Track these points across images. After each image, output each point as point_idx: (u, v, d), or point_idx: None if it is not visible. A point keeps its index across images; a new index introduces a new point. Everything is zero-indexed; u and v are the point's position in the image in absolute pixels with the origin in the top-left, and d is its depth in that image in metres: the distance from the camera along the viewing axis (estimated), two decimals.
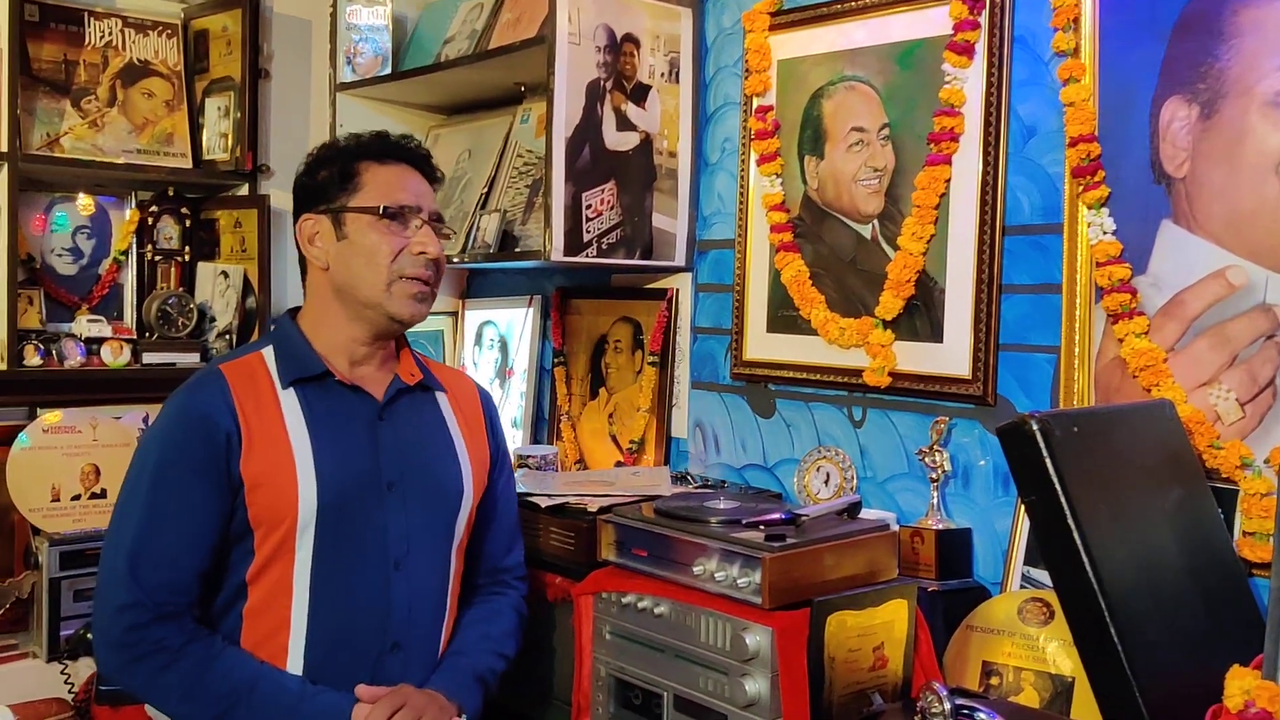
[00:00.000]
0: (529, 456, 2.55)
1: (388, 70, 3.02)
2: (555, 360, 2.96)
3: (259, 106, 2.96)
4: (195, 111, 2.99)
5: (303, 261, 1.90)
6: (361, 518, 1.78)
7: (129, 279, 2.96)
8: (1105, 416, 1.55)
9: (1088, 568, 1.32)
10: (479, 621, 1.96)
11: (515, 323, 3.14)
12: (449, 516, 1.90)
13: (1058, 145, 1.99)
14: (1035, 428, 1.37)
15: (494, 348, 3.22)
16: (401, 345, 1.96)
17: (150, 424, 1.80)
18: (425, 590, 1.85)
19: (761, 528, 1.80)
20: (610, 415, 2.83)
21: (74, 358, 2.76)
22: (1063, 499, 1.34)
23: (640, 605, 1.89)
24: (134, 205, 2.99)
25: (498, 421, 2.08)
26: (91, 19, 2.87)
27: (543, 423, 3.06)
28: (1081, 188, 1.92)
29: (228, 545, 1.74)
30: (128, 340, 2.83)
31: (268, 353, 1.83)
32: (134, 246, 2.98)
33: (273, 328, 1.96)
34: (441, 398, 1.97)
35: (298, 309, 1.92)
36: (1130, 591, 1.34)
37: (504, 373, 3.16)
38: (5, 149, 2.61)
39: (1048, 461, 1.36)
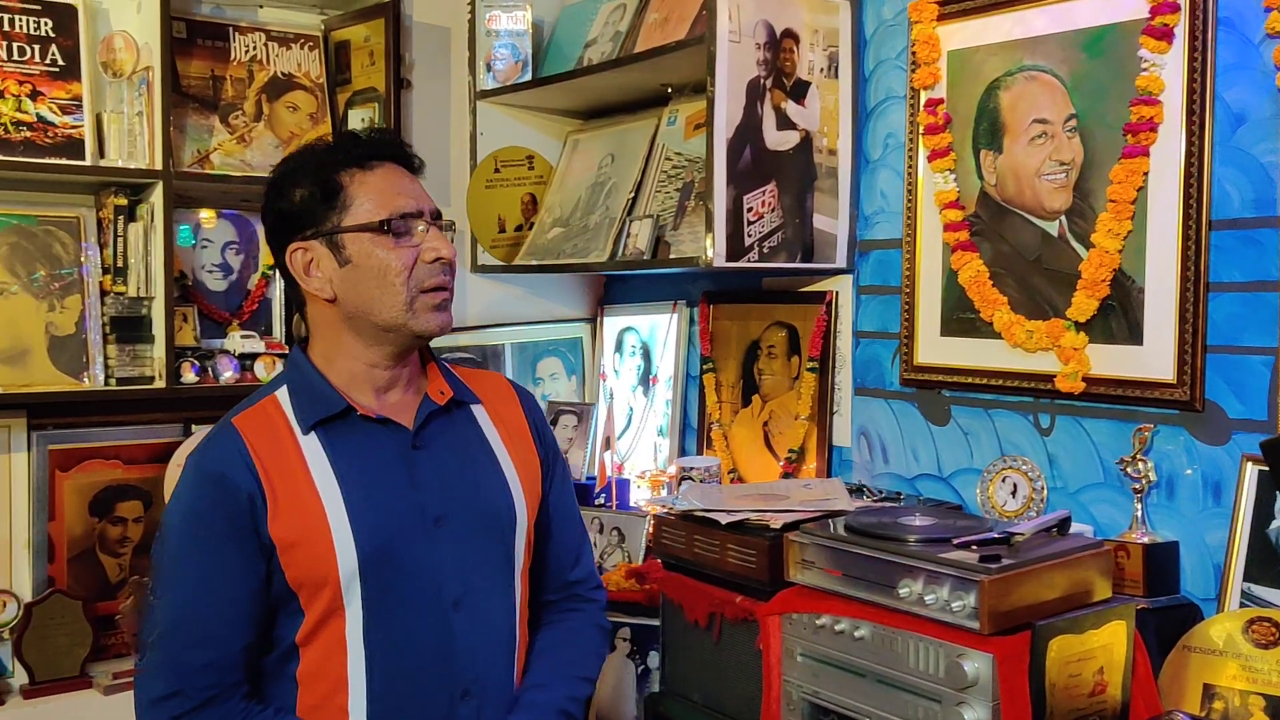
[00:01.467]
0: (692, 469, 2.48)
1: (527, 76, 2.98)
2: (704, 367, 2.88)
3: (401, 116, 2.93)
4: (339, 123, 2.98)
5: (294, 291, 1.69)
6: (410, 560, 1.61)
7: (277, 293, 2.95)
8: None
9: None
10: (555, 646, 1.80)
11: (658, 329, 3.07)
12: (506, 542, 1.71)
13: (1271, 133, 1.86)
14: None
15: (636, 355, 3.16)
16: (427, 359, 1.77)
17: (173, 489, 1.62)
18: (491, 627, 1.68)
19: (974, 548, 1.71)
20: (765, 423, 2.74)
21: (228, 374, 2.76)
22: None
23: (838, 628, 1.80)
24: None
25: (544, 422, 1.88)
26: (236, 34, 2.87)
27: (690, 431, 2.99)
28: None
29: (271, 611, 1.58)
30: (280, 355, 2.82)
31: (282, 394, 1.65)
32: None
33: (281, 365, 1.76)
34: (478, 410, 1.77)
35: (305, 340, 1.72)
36: None
37: (648, 380, 3.09)
38: (160, 167, 2.62)
39: None
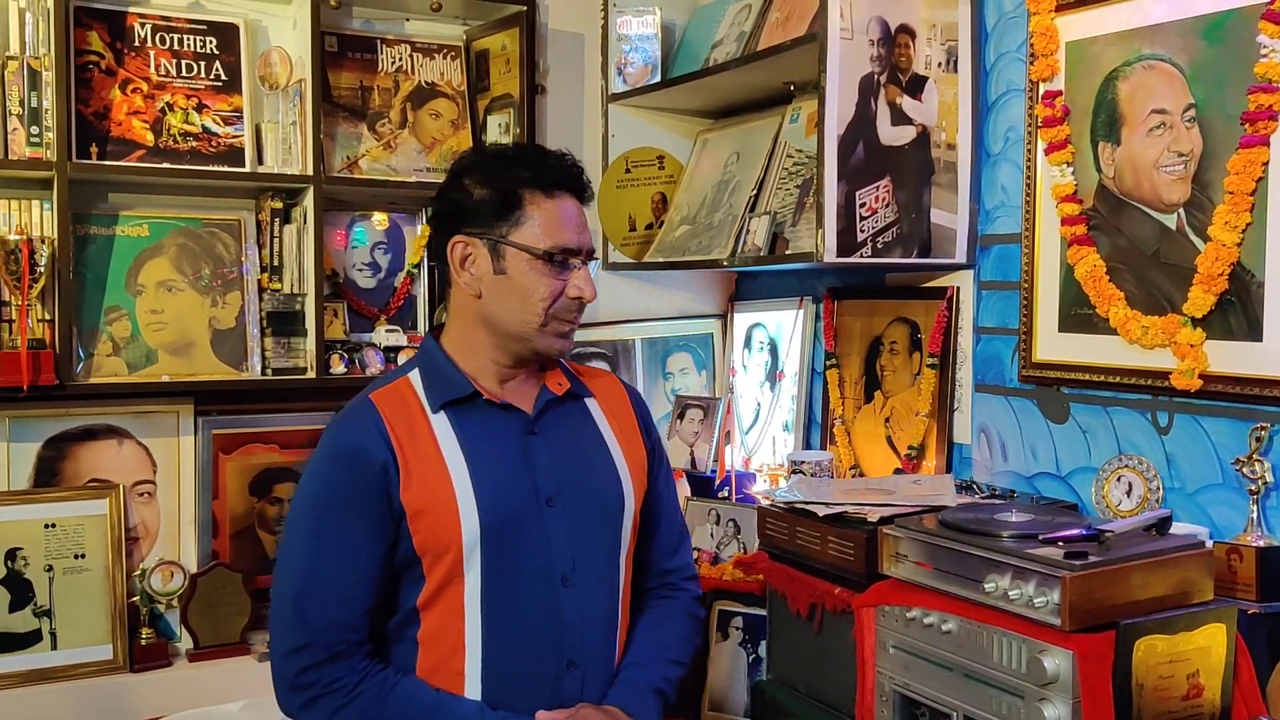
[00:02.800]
0: (803, 462, 2.51)
1: (657, 78, 3.05)
2: (828, 363, 2.90)
3: (536, 121, 3.05)
4: (478, 129, 3.12)
5: (443, 275, 1.83)
6: (525, 536, 1.73)
7: (421, 290, 3.12)
8: None
9: None
10: (652, 629, 1.90)
11: (785, 325, 3.10)
12: (613, 526, 1.83)
13: None
14: None
15: (763, 350, 3.20)
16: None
17: (309, 461, 1.76)
18: (596, 604, 1.79)
19: (1061, 544, 1.69)
20: (886, 419, 2.74)
21: (374, 365, 2.93)
22: None
23: (926, 621, 1.82)
24: (425, 221, 3.15)
25: (650, 420, 2.00)
26: (384, 46, 3.05)
27: (815, 426, 3.01)
28: None
29: (395, 575, 1.71)
30: None
31: (414, 377, 1.79)
32: (425, 260, 3.14)
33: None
34: (591, 404, 1.90)
35: (439, 327, 1.87)
36: None
37: (774, 376, 3.13)
38: (311, 173, 2.81)
39: None
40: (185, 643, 2.79)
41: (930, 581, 1.84)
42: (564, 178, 1.79)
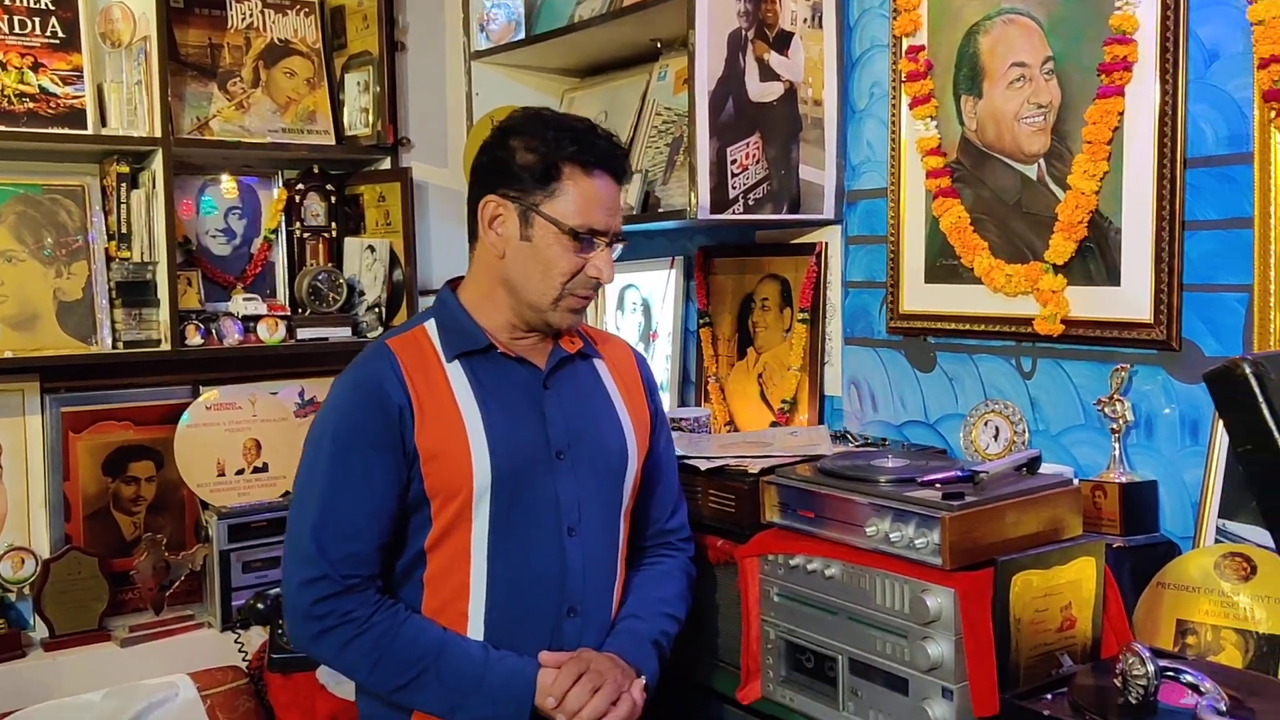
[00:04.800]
0: (682, 419, 2.52)
1: (521, 35, 2.99)
2: (700, 321, 2.91)
3: (397, 79, 2.97)
4: (335, 88, 3.02)
5: (471, 228, 1.86)
6: (534, 486, 1.79)
7: (280, 257, 3.01)
8: None
9: None
10: (650, 584, 1.95)
11: (657, 285, 3.10)
12: (617, 482, 1.89)
13: (1245, 69, 1.85)
14: (1248, 371, 1.26)
15: (637, 311, 3.19)
16: None
17: (324, 401, 1.81)
18: (598, 555, 1.85)
19: (938, 486, 1.73)
20: (760, 375, 2.77)
21: (232, 336, 2.82)
22: None
23: (810, 567, 1.84)
24: (281, 184, 3.04)
25: (655, 384, 2.06)
26: (233, 2, 2.91)
27: (689, 385, 3.02)
28: (1274, 113, 1.78)
29: (406, 515, 1.76)
30: (282, 317, 2.88)
31: (430, 326, 1.84)
32: (283, 225, 3.04)
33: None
34: (599, 364, 1.96)
35: (457, 280, 1.91)
36: None
37: (648, 336, 3.12)
38: (159, 135, 2.67)
39: (1264, 408, 1.24)
40: (40, 631, 2.66)
41: (812, 529, 1.86)
42: (607, 158, 1.81)
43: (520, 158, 1.78)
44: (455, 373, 1.79)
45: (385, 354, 1.78)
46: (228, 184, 2.94)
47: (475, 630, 1.76)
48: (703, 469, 2.09)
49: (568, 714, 1.70)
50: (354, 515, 1.71)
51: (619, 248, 1.85)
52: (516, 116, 1.87)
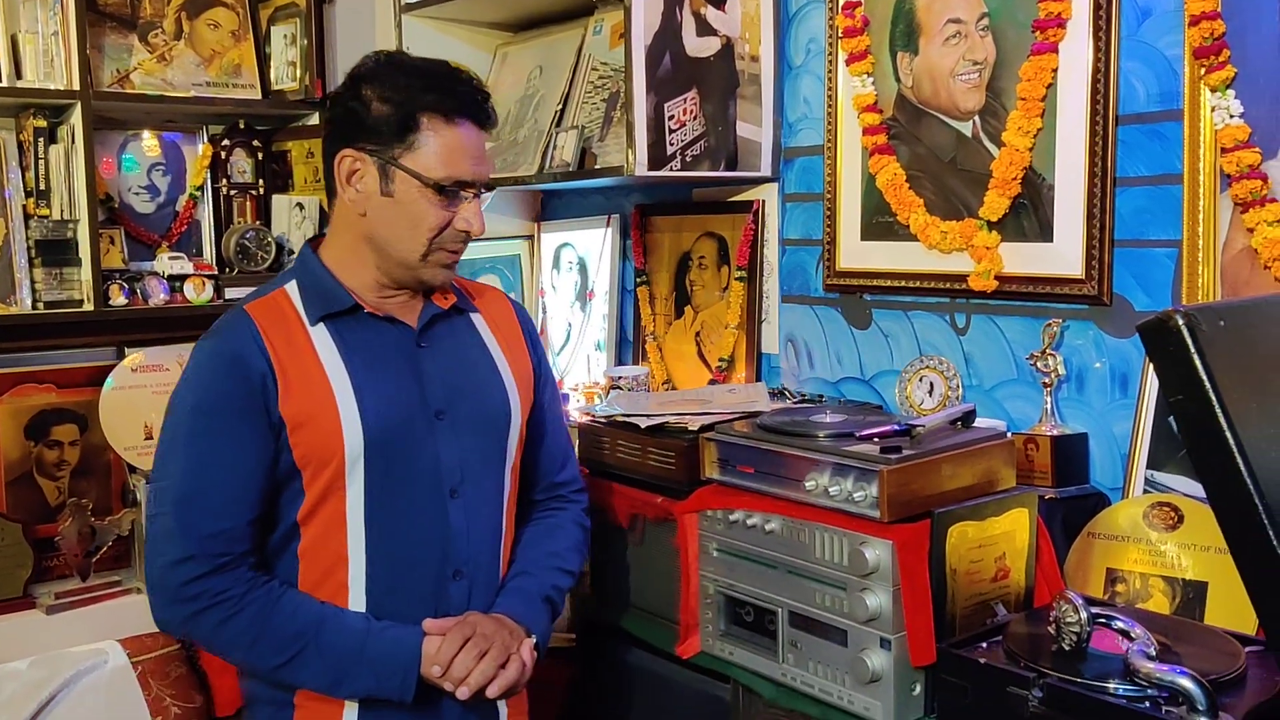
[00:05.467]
0: (620, 378, 2.51)
1: None
2: (638, 280, 2.90)
3: (325, 32, 2.89)
4: (261, 41, 2.94)
5: (329, 184, 1.76)
6: (412, 449, 1.72)
7: (206, 215, 2.94)
8: (1251, 309, 1.45)
9: (1242, 469, 1.24)
10: (540, 539, 1.91)
11: (594, 244, 3.08)
12: (500, 439, 1.83)
13: (1176, 26, 1.87)
14: (1181, 323, 1.27)
15: (573, 270, 3.17)
16: None
17: (183, 372, 1.70)
18: (483, 516, 1.79)
19: (876, 440, 1.74)
20: (697, 334, 2.77)
21: (158, 296, 2.75)
22: (1213, 397, 1.26)
23: (749, 522, 1.85)
24: (206, 140, 2.96)
25: (536, 335, 1.99)
26: None
27: (626, 344, 3.01)
28: (1204, 70, 1.80)
29: (276, 488, 1.68)
30: (209, 276, 2.82)
31: (291, 288, 1.74)
32: (208, 182, 2.96)
33: (290, 261, 1.87)
34: (477, 318, 1.89)
35: (319, 238, 1.82)
36: None
37: (585, 295, 3.10)
38: (78, 88, 2.58)
39: (1196, 359, 1.26)
40: None
41: (752, 484, 1.87)
42: (469, 104, 1.71)
43: (375, 108, 1.68)
44: (320, 336, 1.70)
45: (244, 320, 1.68)
46: (149, 140, 2.85)
47: (357, 602, 1.69)
48: (642, 426, 2.08)
49: (454, 681, 1.66)
50: (221, 491, 1.63)
51: (488, 197, 1.77)
52: (369, 63, 1.75)
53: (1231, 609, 1.70)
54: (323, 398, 1.66)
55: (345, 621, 1.67)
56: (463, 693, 1.65)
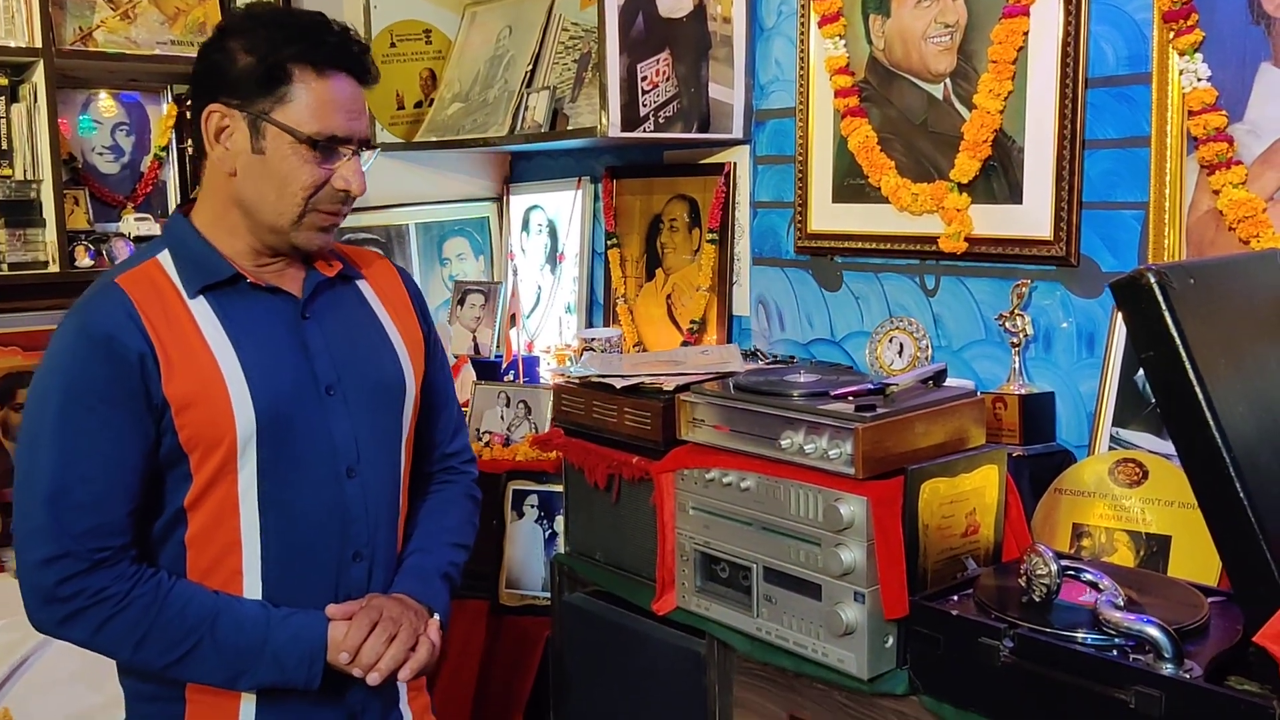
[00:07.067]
0: (594, 340, 2.52)
1: None
2: (609, 242, 2.90)
3: None
4: None
5: (198, 145, 1.62)
6: (304, 427, 1.61)
7: (171, 175, 2.90)
8: (1220, 268, 1.49)
9: (1211, 423, 1.28)
10: (434, 514, 1.83)
11: (563, 206, 3.08)
12: (395, 413, 1.73)
13: None
14: (1153, 281, 1.31)
15: (542, 232, 3.17)
16: None
17: (46, 351, 1.55)
18: (381, 494, 1.70)
19: (850, 399, 1.77)
20: (669, 296, 2.78)
21: (124, 257, 2.71)
22: (1184, 353, 1.29)
23: (725, 480, 1.87)
24: (171, 99, 2.92)
25: (424, 302, 1.88)
26: None
27: (597, 307, 3.02)
28: (1173, 33, 1.83)
29: (159, 474, 1.56)
30: None
31: (164, 258, 1.60)
32: (173, 142, 2.92)
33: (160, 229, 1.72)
34: (364, 286, 1.77)
35: (190, 204, 1.68)
36: (1253, 445, 1.31)
37: (555, 258, 3.11)
38: (40, 45, 2.54)
39: (1167, 315, 1.30)
40: None
41: (728, 443, 1.89)
42: (341, 55, 1.58)
43: (242, 61, 1.55)
44: (201, 310, 1.57)
45: (116, 294, 1.54)
46: (105, 101, 2.80)
47: (252, 589, 1.60)
48: (618, 387, 2.10)
49: (364, 668, 1.58)
50: (95, 483, 1.50)
51: (370, 156, 1.65)
52: (236, 15, 1.65)
53: (1194, 561, 1.75)
54: (210, 376, 1.54)
55: (242, 611, 1.58)
56: (373, 678, 1.59)
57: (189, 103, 2.89)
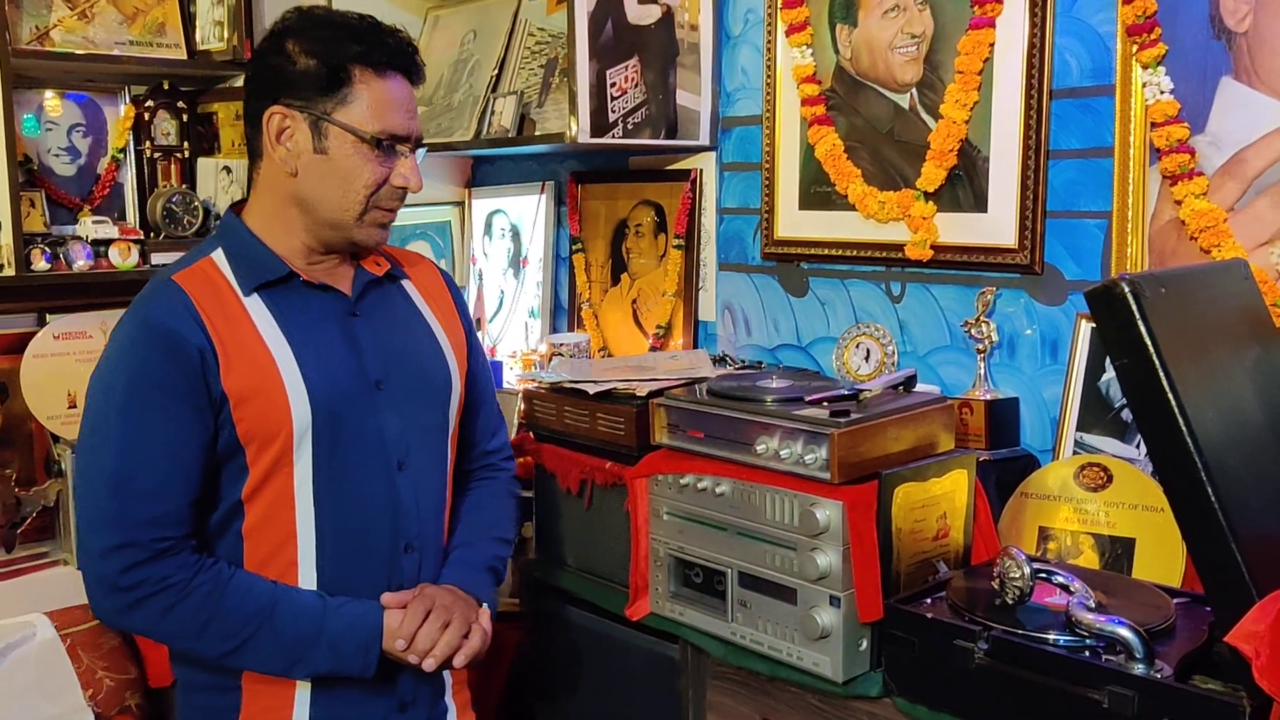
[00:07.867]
0: (562, 345, 2.52)
1: None
2: (573, 247, 2.91)
3: None
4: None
5: (254, 145, 1.68)
6: (356, 422, 1.67)
7: (129, 178, 2.86)
8: (1189, 277, 1.53)
9: (1183, 428, 1.31)
10: (478, 509, 1.89)
11: (527, 211, 3.08)
12: (442, 408, 1.80)
13: (1109, 3, 1.94)
14: (1127, 290, 1.34)
15: (505, 237, 3.16)
16: None
17: (108, 346, 1.61)
18: (429, 487, 1.77)
19: (825, 404, 1.79)
20: (634, 301, 2.79)
21: (81, 260, 2.67)
22: (1156, 361, 1.32)
23: (700, 486, 1.88)
24: (128, 100, 2.88)
25: (465, 302, 1.96)
26: None
27: (561, 312, 3.02)
28: (1136, 46, 1.87)
29: (216, 467, 1.61)
30: (135, 241, 2.74)
31: (218, 257, 1.67)
32: (131, 144, 2.88)
33: (215, 228, 1.77)
34: (408, 285, 1.84)
35: (241, 204, 1.74)
36: (1223, 450, 1.34)
37: (519, 262, 3.10)
38: None
39: (1140, 324, 1.33)
40: None
41: (702, 449, 1.90)
42: (399, 56, 1.66)
43: (302, 63, 1.61)
44: (255, 306, 1.63)
45: (174, 291, 1.60)
46: (51, 101, 2.75)
47: (307, 580, 1.65)
48: (590, 393, 2.10)
49: (419, 654, 1.63)
50: (157, 472, 1.55)
51: (422, 154, 1.73)
52: (291, 17, 1.68)
53: (1158, 564, 1.79)
54: (267, 371, 1.60)
55: (300, 600, 1.62)
56: (429, 664, 1.63)
57: (148, 103, 2.89)
